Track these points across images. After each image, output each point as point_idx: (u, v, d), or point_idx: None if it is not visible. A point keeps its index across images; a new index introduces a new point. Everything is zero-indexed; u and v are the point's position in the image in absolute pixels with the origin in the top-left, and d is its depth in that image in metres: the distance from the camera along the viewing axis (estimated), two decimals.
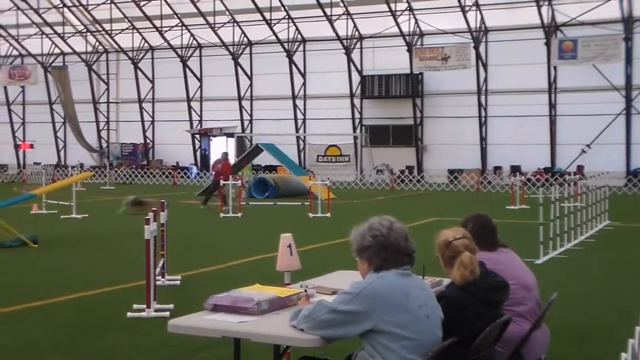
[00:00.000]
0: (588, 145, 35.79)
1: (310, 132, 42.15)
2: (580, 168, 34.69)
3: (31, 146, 48.04)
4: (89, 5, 43.67)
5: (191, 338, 5.47)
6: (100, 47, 47.68)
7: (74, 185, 20.18)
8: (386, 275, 3.70)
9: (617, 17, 34.87)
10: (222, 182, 22.22)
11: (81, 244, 14.72)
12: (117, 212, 20.28)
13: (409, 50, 38.41)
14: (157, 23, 43.20)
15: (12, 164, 48.86)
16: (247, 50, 43.27)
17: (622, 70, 35.15)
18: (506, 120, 37.26)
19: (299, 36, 41.64)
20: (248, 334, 3.83)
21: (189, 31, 43.57)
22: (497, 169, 37.25)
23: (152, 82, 46.10)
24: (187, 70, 44.67)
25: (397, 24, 38.14)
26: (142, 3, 41.95)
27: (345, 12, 39.09)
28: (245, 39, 42.88)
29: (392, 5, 37.49)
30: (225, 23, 41.93)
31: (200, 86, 44.97)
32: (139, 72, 46.00)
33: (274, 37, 41.44)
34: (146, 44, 45.46)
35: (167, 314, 7.92)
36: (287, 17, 40.66)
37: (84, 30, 46.35)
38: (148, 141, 46.75)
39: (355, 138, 40.87)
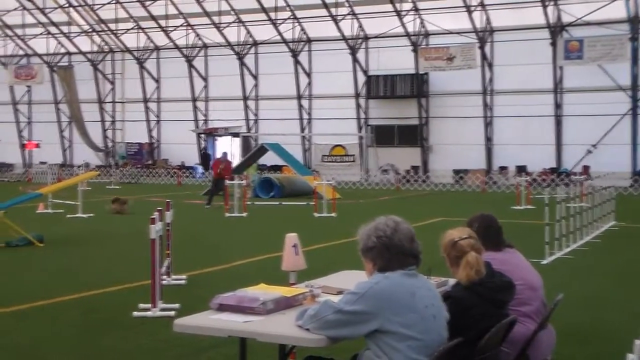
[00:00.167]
0: (594, 146, 35.69)
1: (316, 132, 42.13)
2: (586, 168, 34.64)
3: (37, 145, 48.13)
4: (94, 5, 43.77)
5: (197, 337, 5.47)
6: (105, 46, 47.75)
7: (79, 185, 20.27)
8: (392, 276, 3.69)
9: (623, 17, 34.75)
10: (226, 181, 22.30)
11: (87, 244, 14.74)
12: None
13: (415, 50, 38.39)
14: (163, 23, 43.28)
15: (18, 163, 49.07)
16: (253, 50, 43.26)
17: (628, 70, 35.04)
18: (512, 121, 37.15)
19: (304, 36, 41.64)
20: (254, 334, 3.82)
21: (194, 31, 43.61)
22: (503, 169, 37.18)
23: (158, 81, 46.16)
24: (193, 69, 44.71)
25: (403, 24, 38.12)
26: (147, 3, 42.01)
27: (351, 12, 39.07)
28: (250, 38, 42.89)
29: (398, 5, 37.47)
30: (230, 23, 41.95)
31: (206, 86, 44.98)
32: (144, 72, 46.09)
33: (279, 37, 41.45)
34: (152, 44, 45.52)
35: (173, 313, 7.92)
36: (292, 17, 40.65)
37: (90, 30, 46.44)
38: (153, 141, 46.84)
39: (360, 138, 40.84)
